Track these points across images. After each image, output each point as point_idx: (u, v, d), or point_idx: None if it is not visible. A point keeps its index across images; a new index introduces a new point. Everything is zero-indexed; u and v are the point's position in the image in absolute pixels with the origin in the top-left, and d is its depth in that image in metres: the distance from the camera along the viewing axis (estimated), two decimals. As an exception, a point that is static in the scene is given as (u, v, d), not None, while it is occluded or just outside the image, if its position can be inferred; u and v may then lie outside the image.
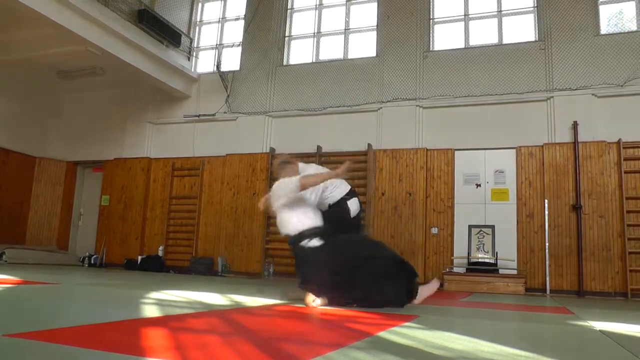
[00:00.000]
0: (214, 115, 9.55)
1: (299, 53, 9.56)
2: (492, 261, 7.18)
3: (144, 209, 9.77)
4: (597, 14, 7.72)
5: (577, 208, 7.09)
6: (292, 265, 8.56)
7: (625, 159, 7.08)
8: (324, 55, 9.37)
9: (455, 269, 7.39)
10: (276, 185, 3.64)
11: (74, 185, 10.88)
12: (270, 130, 9.16)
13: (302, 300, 3.32)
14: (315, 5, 9.64)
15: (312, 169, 4.12)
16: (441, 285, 7.12)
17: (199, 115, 9.71)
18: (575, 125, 7.29)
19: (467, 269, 7.24)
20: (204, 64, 10.19)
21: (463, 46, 8.42)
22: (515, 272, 7.12)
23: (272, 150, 8.93)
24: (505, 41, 8.23)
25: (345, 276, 3.30)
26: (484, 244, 7.37)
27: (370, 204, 8.06)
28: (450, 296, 5.70)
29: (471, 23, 8.56)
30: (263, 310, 3.04)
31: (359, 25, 9.27)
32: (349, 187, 4.14)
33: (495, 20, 8.42)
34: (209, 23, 10.56)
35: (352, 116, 8.61)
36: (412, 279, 3.56)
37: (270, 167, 4.05)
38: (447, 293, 6.43)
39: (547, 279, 7.06)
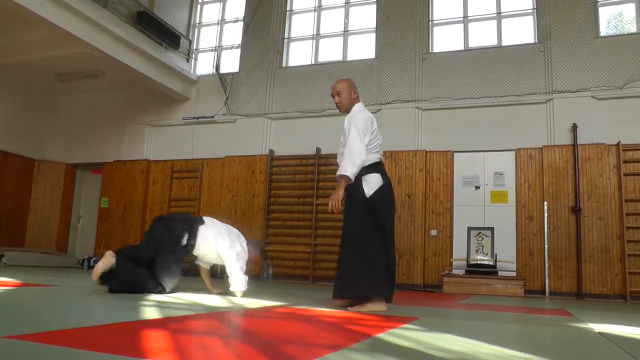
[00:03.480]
0: (213, 117, 9.55)
1: (298, 55, 9.57)
2: (491, 263, 7.18)
3: (143, 211, 9.76)
4: (597, 15, 7.73)
5: (576, 210, 7.09)
6: (291, 267, 8.57)
7: (625, 162, 7.09)
8: (323, 57, 9.37)
9: (455, 271, 7.38)
10: None
11: (73, 188, 10.86)
12: (269, 132, 9.16)
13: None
14: (314, 7, 9.65)
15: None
16: (440, 287, 7.14)
17: (198, 118, 9.71)
18: (574, 127, 7.29)
19: (466, 271, 7.24)
20: (203, 66, 10.19)
21: (462, 48, 8.43)
22: (514, 274, 7.12)
23: (272, 152, 8.94)
24: (504, 43, 8.23)
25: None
26: (483, 246, 7.38)
27: (369, 206, 8.05)
28: (449, 298, 5.70)
29: (470, 25, 8.57)
30: (262, 312, 3.04)
31: (358, 27, 9.28)
32: None
33: (495, 22, 8.43)
34: (208, 25, 10.56)
35: (351, 118, 8.59)
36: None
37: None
38: (446, 295, 6.43)
39: (547, 281, 7.06)
